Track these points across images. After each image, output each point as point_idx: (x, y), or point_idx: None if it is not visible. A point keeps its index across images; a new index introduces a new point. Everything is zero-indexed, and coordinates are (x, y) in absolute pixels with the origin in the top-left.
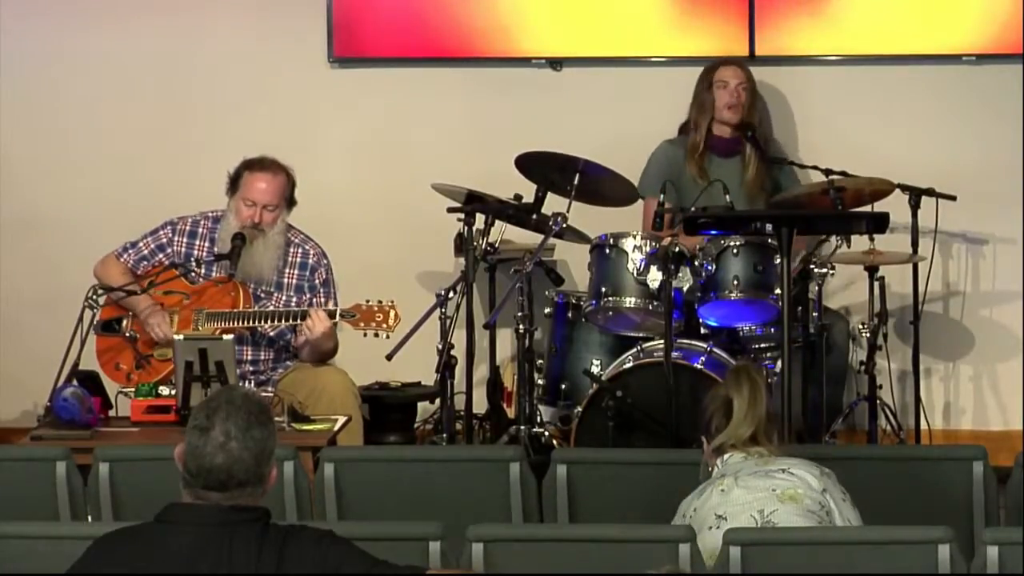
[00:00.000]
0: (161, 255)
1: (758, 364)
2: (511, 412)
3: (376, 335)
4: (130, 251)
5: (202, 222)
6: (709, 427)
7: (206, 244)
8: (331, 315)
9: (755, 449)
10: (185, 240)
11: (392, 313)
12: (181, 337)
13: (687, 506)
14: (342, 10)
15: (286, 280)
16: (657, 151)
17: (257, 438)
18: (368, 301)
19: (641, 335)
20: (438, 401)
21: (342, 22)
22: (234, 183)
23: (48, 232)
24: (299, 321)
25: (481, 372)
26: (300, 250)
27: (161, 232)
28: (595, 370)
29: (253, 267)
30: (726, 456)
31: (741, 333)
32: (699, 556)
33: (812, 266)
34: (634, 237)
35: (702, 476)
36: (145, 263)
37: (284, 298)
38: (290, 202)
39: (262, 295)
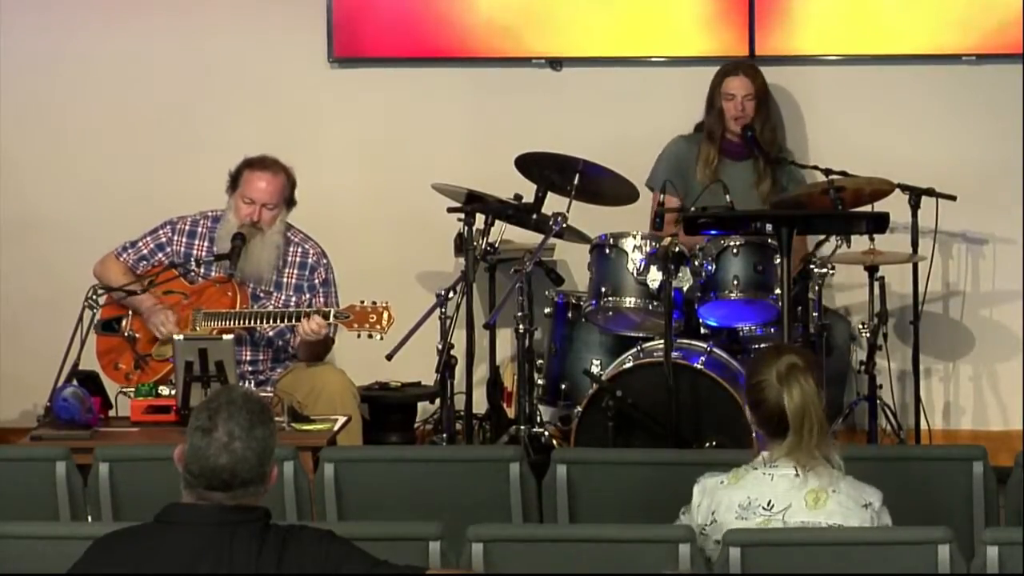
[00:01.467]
0: (160, 254)
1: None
2: (511, 412)
3: (370, 336)
4: (129, 250)
5: (202, 221)
6: (756, 411)
7: (205, 243)
8: (325, 316)
9: (811, 464)
10: (184, 239)
11: (386, 314)
12: (181, 337)
13: (719, 497)
14: (342, 10)
15: (285, 279)
16: (670, 145)
17: (260, 437)
18: (362, 302)
19: (641, 335)
20: (438, 401)
21: (342, 22)
22: (234, 181)
23: (48, 232)
24: (295, 323)
25: (481, 372)
26: (300, 249)
27: (160, 231)
28: (595, 370)
29: (251, 266)
30: (776, 458)
31: (741, 333)
32: (699, 556)
33: (812, 266)
34: (634, 237)
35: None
36: (144, 262)
37: (283, 297)
38: (290, 203)
39: (261, 295)
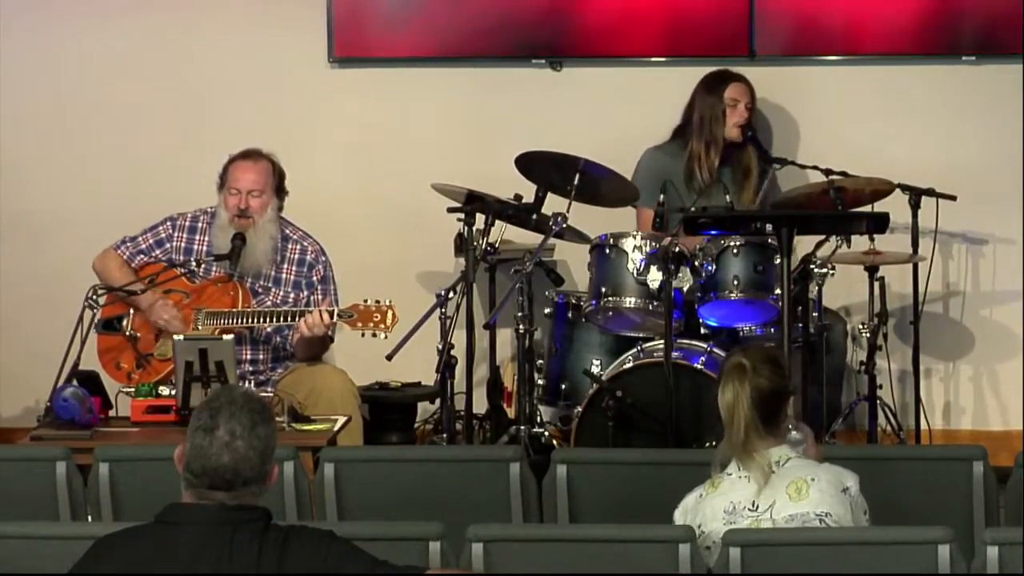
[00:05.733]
0: (159, 250)
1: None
2: (511, 412)
3: (374, 335)
4: (128, 244)
5: (202, 217)
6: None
7: (206, 239)
8: (329, 315)
9: (746, 463)
10: (185, 235)
11: (390, 313)
12: (181, 337)
13: (702, 509)
14: (342, 10)
15: (284, 276)
16: (644, 159)
17: (261, 436)
18: (366, 301)
19: (641, 335)
20: (438, 401)
21: (342, 22)
22: (222, 180)
23: (47, 231)
24: (297, 320)
25: (481, 372)
26: (299, 246)
27: (160, 228)
28: (595, 370)
29: (248, 260)
30: (722, 455)
31: (741, 333)
32: (699, 556)
33: (812, 266)
34: (634, 237)
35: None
36: (143, 257)
37: (282, 294)
38: (279, 191)
39: (259, 290)
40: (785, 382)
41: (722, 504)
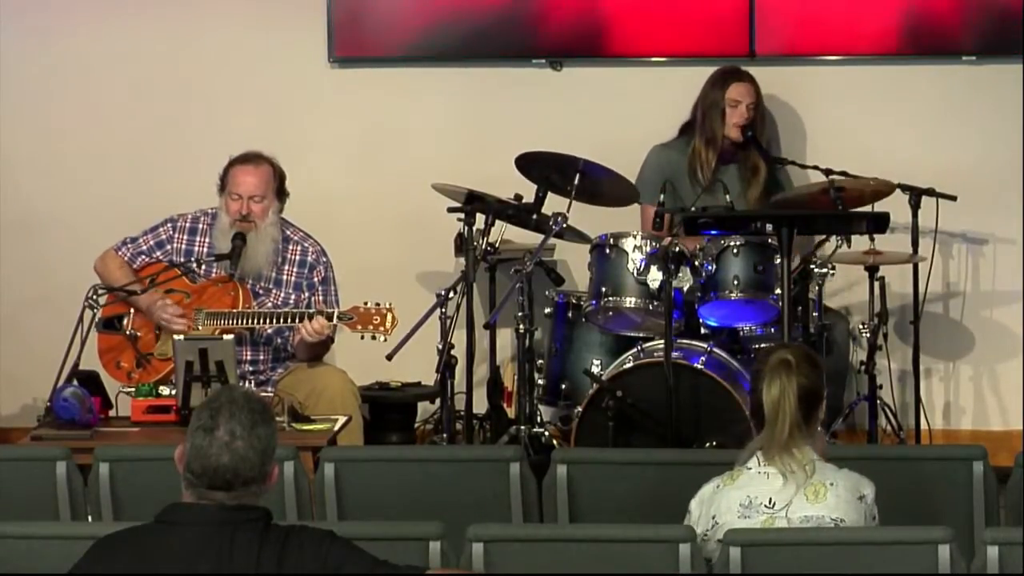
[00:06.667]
0: (159, 252)
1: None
2: (511, 412)
3: (373, 338)
4: (128, 245)
5: (202, 218)
6: (752, 401)
7: (206, 240)
8: (328, 318)
9: (781, 459)
10: (185, 237)
11: (390, 316)
12: (181, 337)
13: (717, 500)
14: (342, 10)
15: (284, 277)
16: (651, 156)
17: (262, 436)
18: (366, 303)
19: (641, 335)
20: (438, 401)
21: (342, 22)
22: (223, 182)
23: (47, 232)
24: (297, 323)
25: (481, 372)
26: (299, 247)
27: (161, 229)
28: (595, 370)
29: (249, 262)
30: (752, 451)
31: (741, 333)
32: (699, 556)
33: (812, 266)
34: (634, 237)
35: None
36: (143, 258)
37: (283, 295)
38: (280, 194)
39: (260, 291)
40: (821, 383)
41: (738, 497)
